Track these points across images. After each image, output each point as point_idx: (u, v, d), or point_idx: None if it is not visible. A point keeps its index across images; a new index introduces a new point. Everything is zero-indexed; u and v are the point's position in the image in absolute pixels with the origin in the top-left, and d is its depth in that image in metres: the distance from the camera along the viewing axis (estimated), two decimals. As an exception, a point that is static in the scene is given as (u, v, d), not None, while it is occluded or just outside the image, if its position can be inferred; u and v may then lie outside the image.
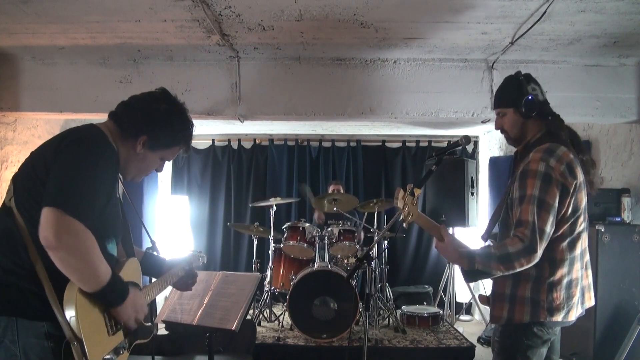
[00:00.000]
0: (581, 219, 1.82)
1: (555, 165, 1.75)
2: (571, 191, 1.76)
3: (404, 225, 1.95)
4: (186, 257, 2.06)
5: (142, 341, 1.65)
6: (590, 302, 1.90)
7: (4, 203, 1.50)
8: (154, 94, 1.71)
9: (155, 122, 1.64)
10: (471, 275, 1.87)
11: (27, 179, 1.47)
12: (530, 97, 1.91)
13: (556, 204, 1.73)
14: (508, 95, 1.99)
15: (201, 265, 2.24)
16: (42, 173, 1.43)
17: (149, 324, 1.71)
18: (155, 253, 2.06)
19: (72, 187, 1.38)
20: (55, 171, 1.41)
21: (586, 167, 1.89)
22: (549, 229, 1.72)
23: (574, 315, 1.81)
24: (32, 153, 1.54)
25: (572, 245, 1.80)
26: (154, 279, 1.89)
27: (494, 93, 2.12)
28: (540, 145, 1.83)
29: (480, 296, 2.11)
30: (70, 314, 1.37)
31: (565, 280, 1.78)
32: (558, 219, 1.75)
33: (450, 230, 5.13)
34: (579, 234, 1.82)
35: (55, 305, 1.38)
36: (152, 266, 1.93)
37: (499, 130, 2.04)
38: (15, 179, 1.51)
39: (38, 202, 1.38)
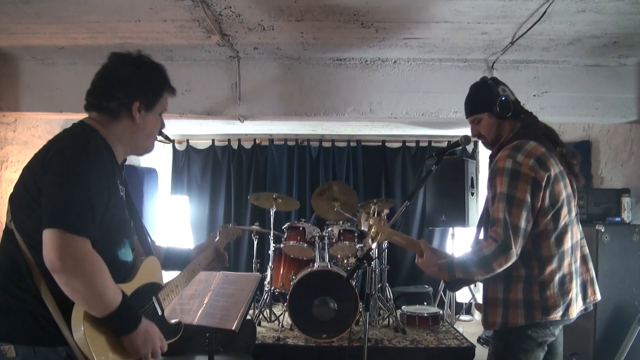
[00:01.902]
0: (563, 211, 1.77)
1: (523, 160, 1.74)
2: (543, 184, 1.72)
3: (372, 245, 1.95)
4: (212, 242, 2.03)
5: (172, 340, 1.63)
6: (595, 296, 1.85)
7: (5, 225, 1.45)
8: (111, 65, 1.67)
9: (135, 84, 1.60)
10: (454, 285, 1.85)
11: (21, 198, 1.41)
12: (503, 98, 1.91)
13: (528, 199, 1.70)
14: (480, 101, 1.99)
15: (234, 238, 2.16)
16: (34, 191, 1.36)
17: (175, 320, 1.69)
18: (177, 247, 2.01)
19: (67, 202, 1.30)
20: (46, 187, 1.33)
21: (567, 160, 1.87)
22: (524, 224, 1.69)
23: (574, 312, 1.75)
24: (23, 169, 1.46)
25: (559, 240, 1.75)
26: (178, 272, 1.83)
27: (464, 102, 2.10)
28: (510, 144, 1.83)
29: (477, 304, 2.09)
30: (78, 337, 1.30)
31: (557, 277, 1.73)
32: (536, 214, 1.72)
33: (451, 231, 5.21)
34: (565, 227, 1.77)
35: (65, 328, 1.32)
36: (177, 259, 1.89)
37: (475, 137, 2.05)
38: (11, 200, 1.45)
39: (36, 222, 1.32)
